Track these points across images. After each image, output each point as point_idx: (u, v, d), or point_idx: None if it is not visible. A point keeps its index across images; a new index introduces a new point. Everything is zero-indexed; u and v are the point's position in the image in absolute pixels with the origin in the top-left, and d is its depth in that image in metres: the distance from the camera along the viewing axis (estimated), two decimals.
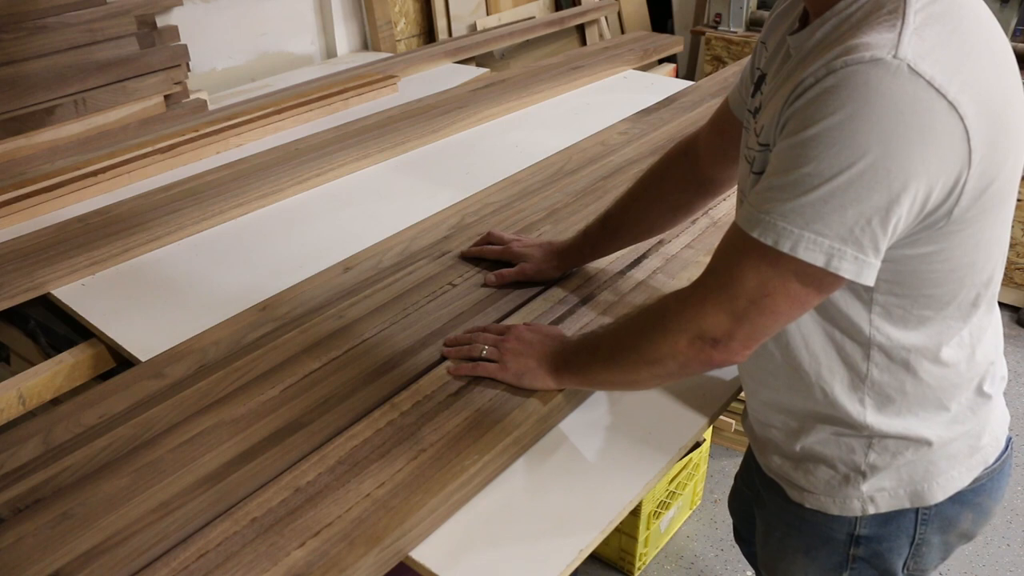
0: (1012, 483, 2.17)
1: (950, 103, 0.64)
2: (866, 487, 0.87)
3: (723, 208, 1.48)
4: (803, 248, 0.68)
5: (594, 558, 1.98)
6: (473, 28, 3.03)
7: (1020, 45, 2.78)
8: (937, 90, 0.64)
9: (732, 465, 2.26)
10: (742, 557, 1.98)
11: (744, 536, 1.33)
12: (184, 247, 1.45)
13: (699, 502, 2.13)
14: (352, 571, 0.76)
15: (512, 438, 0.93)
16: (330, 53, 2.69)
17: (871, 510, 0.88)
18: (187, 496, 0.84)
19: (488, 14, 3.10)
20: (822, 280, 0.71)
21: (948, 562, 1.88)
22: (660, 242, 1.37)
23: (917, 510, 0.88)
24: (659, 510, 1.92)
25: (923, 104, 0.64)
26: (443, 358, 1.06)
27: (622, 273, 1.28)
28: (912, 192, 0.66)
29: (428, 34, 2.96)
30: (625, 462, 0.95)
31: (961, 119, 0.65)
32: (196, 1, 2.26)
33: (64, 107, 1.85)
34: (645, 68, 2.50)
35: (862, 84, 0.64)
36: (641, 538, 1.87)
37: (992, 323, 0.87)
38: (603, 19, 3.35)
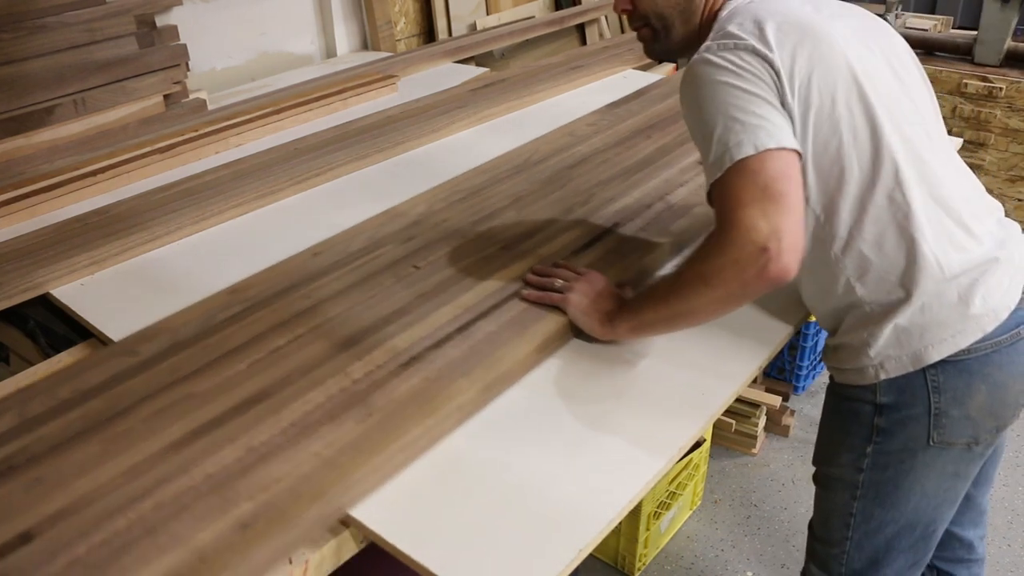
0: (1012, 483, 2.17)
1: (734, 44, 0.98)
2: (874, 353, 1.03)
3: (680, 193, 1.54)
4: (746, 147, 0.91)
5: (594, 558, 1.98)
6: (473, 28, 3.03)
7: (1020, 45, 2.78)
8: (721, 47, 0.98)
9: (732, 465, 2.26)
10: (742, 557, 1.99)
11: None
12: (184, 247, 1.45)
13: (699, 502, 2.13)
14: (296, 522, 0.82)
15: (455, 404, 0.98)
16: (330, 53, 2.69)
17: (882, 375, 1.04)
18: (154, 461, 0.89)
19: (488, 14, 3.09)
20: (778, 158, 0.92)
21: None
22: (615, 225, 1.42)
23: (925, 375, 1.02)
24: (659, 510, 1.92)
25: (715, 57, 0.97)
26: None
27: (576, 254, 1.32)
28: (753, 87, 0.95)
29: (428, 34, 2.96)
30: (625, 461, 0.95)
31: (747, 42, 0.97)
32: (196, 1, 2.26)
33: (63, 107, 1.85)
34: (645, 68, 2.49)
35: (696, 68, 0.99)
36: (641, 538, 1.87)
37: (934, 187, 1.00)
38: (603, 19, 3.35)
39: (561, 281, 1.17)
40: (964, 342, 1.00)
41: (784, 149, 0.92)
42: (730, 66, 0.95)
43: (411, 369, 1.03)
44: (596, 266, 1.25)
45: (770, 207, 0.90)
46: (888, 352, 1.02)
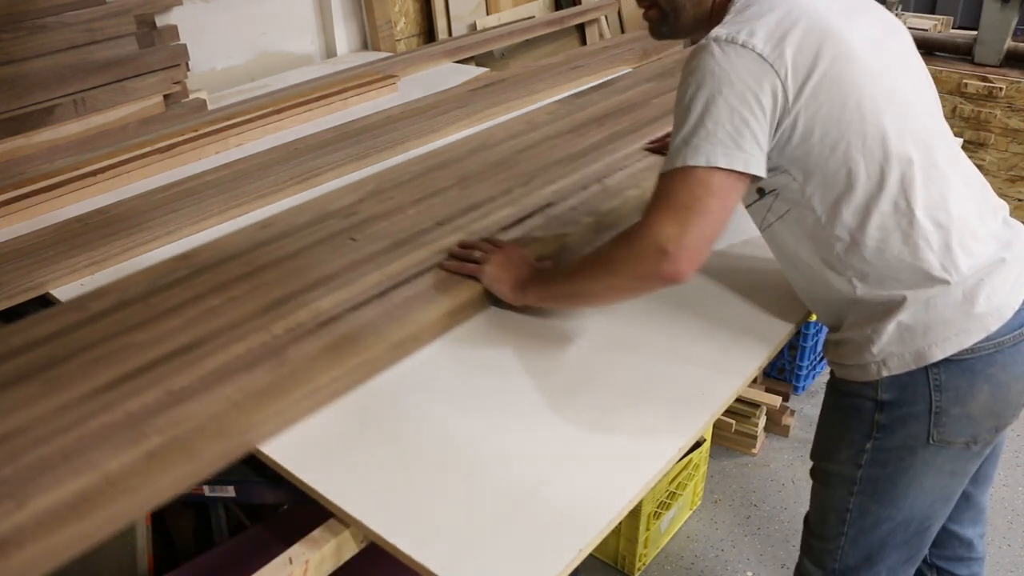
0: (1012, 483, 2.17)
1: (741, 44, 0.94)
2: (876, 350, 1.03)
3: (617, 177, 1.57)
4: (700, 156, 0.94)
5: (594, 558, 1.98)
6: (473, 28, 3.03)
7: (1020, 45, 2.78)
8: (730, 41, 0.94)
9: (732, 465, 2.26)
10: (742, 557, 1.98)
11: None
12: (183, 247, 1.45)
13: (699, 502, 2.13)
14: (199, 454, 0.91)
15: (362, 359, 1.06)
16: (330, 53, 2.69)
17: (885, 372, 1.03)
18: (83, 399, 0.99)
19: (488, 14, 3.09)
20: (724, 178, 0.94)
21: None
22: (548, 205, 1.47)
23: (927, 373, 1.02)
24: (659, 510, 1.92)
25: (721, 50, 0.94)
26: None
27: (505, 230, 1.39)
28: (740, 105, 0.94)
29: (428, 34, 2.96)
30: (626, 461, 0.95)
31: (752, 48, 0.94)
32: (196, 1, 2.26)
33: (63, 107, 1.85)
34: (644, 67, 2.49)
35: (697, 58, 0.97)
36: (641, 538, 1.87)
37: (940, 190, 1.00)
38: (603, 19, 3.35)
39: (480, 253, 1.24)
40: (968, 341, 1.00)
41: (733, 172, 0.94)
42: (728, 69, 0.94)
43: (328, 327, 1.11)
44: (521, 241, 1.33)
45: (689, 218, 0.94)
46: (891, 349, 1.02)
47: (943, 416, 1.03)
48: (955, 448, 1.06)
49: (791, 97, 0.95)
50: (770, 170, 1.00)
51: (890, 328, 1.02)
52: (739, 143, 0.94)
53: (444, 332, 1.18)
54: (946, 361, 1.01)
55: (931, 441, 1.05)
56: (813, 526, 1.23)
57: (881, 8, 1.08)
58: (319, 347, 1.07)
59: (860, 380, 1.07)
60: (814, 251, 1.05)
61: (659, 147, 1.70)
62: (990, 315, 1.00)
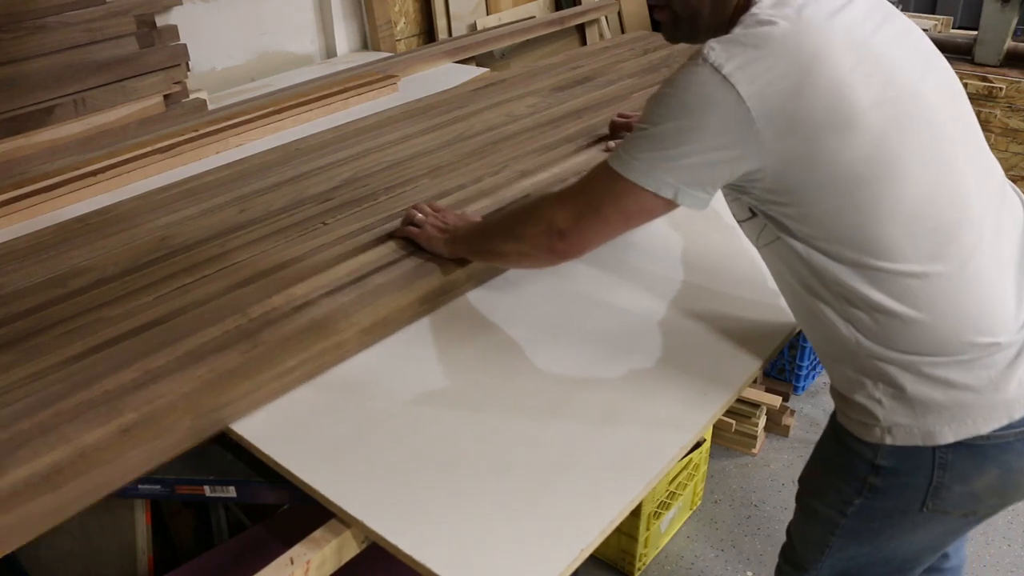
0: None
1: (724, 77, 0.85)
2: (883, 416, 0.95)
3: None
4: (630, 170, 0.93)
5: (594, 558, 1.98)
6: (473, 28, 3.03)
7: (1020, 44, 2.78)
8: (716, 69, 0.86)
9: (732, 465, 2.26)
10: (742, 557, 1.98)
11: None
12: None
13: (699, 502, 2.13)
14: (171, 430, 0.95)
15: (332, 342, 1.10)
16: (330, 53, 2.69)
17: (888, 441, 0.95)
18: (55, 369, 1.05)
19: (488, 14, 3.09)
20: (639, 197, 0.94)
21: None
22: (526, 197, 1.51)
23: (934, 451, 0.93)
24: (659, 510, 1.92)
25: (706, 79, 0.87)
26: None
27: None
28: (702, 146, 0.89)
29: (428, 34, 2.95)
30: (625, 460, 0.95)
31: (735, 89, 0.85)
32: (196, 1, 2.26)
33: (63, 107, 1.84)
34: None
35: (685, 74, 0.90)
36: (641, 538, 1.87)
37: (975, 280, 0.91)
38: (603, 19, 3.35)
39: (420, 216, 1.32)
40: (986, 428, 0.91)
41: (656, 196, 0.93)
42: (708, 94, 0.87)
43: (302, 311, 1.16)
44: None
45: (589, 217, 0.99)
46: (898, 420, 0.94)
47: (943, 491, 0.96)
48: (951, 517, 1.00)
49: (775, 169, 0.89)
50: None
51: (902, 397, 0.93)
52: (675, 171, 0.91)
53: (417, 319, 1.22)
54: (957, 443, 0.92)
55: (925, 510, 0.98)
56: (794, 544, 1.19)
57: (915, 26, 0.99)
58: (292, 330, 1.11)
59: (859, 437, 0.99)
60: (824, 305, 0.96)
61: (625, 124, 1.72)
62: (1017, 402, 0.91)
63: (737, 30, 0.90)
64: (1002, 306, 0.92)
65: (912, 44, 0.96)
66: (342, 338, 1.11)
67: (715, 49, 0.88)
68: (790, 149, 0.87)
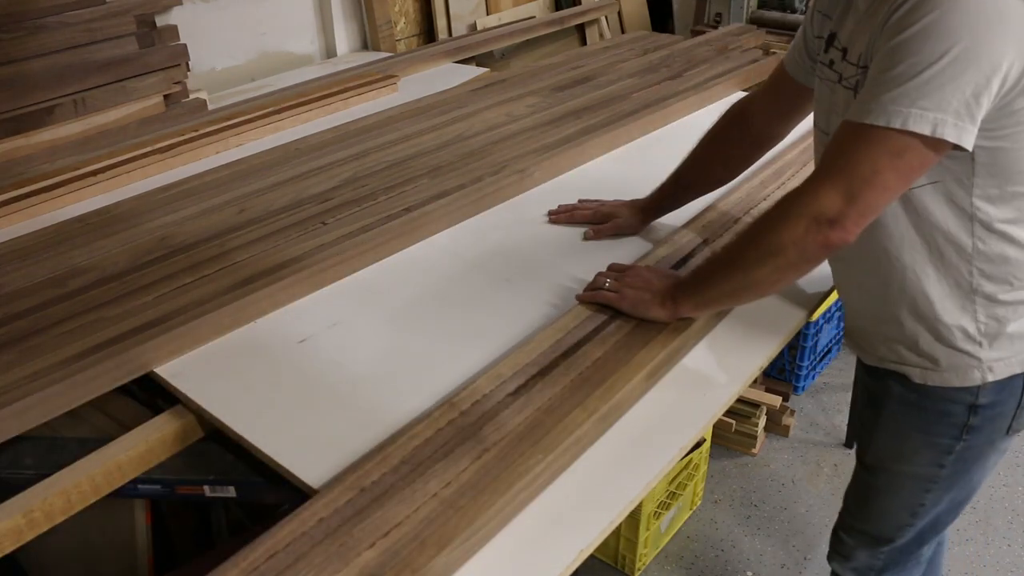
0: (1012, 483, 2.17)
1: None
2: (985, 356, 1.00)
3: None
4: (912, 122, 0.82)
5: (594, 558, 1.98)
6: (473, 28, 3.03)
7: None
8: None
9: (732, 465, 2.26)
10: (742, 557, 1.98)
11: None
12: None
13: (699, 502, 2.13)
14: (424, 572, 0.77)
15: (574, 437, 0.94)
16: (330, 53, 2.69)
17: (990, 378, 1.01)
18: (54, 369, 1.05)
19: (488, 14, 3.09)
20: (926, 150, 0.84)
21: (949, 562, 1.88)
22: None
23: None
24: (659, 510, 1.92)
25: None
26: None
27: None
28: (1000, 69, 0.81)
29: (428, 34, 2.95)
30: (626, 461, 0.95)
31: None
32: (196, 1, 2.26)
33: (63, 107, 1.85)
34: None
35: None
36: (641, 538, 1.87)
37: None
38: (603, 19, 3.35)
39: (609, 281, 1.18)
40: None
41: (942, 141, 0.83)
42: (1001, 5, 0.80)
43: (521, 399, 1.02)
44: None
45: (864, 191, 0.87)
46: (1000, 354, 1.01)
47: (1022, 411, 1.05)
48: (1016, 435, 1.10)
49: None
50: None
51: (1004, 334, 1.00)
52: (959, 109, 0.82)
53: None
54: None
55: (1009, 432, 1.08)
56: (871, 528, 1.23)
57: None
58: (520, 424, 0.96)
59: (955, 386, 1.04)
60: (940, 236, 0.96)
61: (564, 220, 1.48)
62: None
63: None
64: None
65: None
66: (582, 432, 0.95)
67: None
68: None
